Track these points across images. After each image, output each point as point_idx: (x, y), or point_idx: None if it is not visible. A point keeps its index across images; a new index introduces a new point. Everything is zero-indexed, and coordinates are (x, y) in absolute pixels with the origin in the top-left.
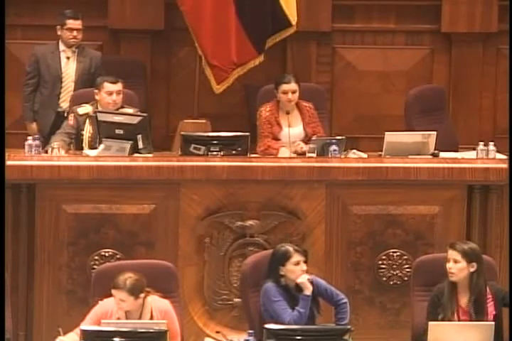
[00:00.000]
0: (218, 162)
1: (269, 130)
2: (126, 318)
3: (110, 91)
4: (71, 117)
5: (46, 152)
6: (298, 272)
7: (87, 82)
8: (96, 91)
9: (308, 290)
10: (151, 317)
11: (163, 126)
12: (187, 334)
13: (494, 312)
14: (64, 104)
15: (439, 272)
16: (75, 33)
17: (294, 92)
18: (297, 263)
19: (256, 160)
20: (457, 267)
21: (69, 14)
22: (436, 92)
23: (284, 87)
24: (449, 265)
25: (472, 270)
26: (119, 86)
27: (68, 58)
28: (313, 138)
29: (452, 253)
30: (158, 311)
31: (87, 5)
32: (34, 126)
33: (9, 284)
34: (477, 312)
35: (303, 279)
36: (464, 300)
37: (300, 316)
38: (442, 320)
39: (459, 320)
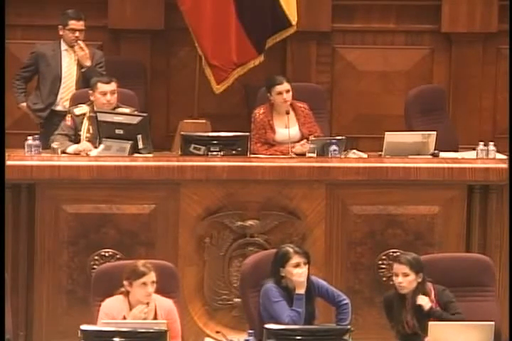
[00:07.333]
0: (218, 162)
1: (261, 135)
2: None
3: (104, 92)
4: (68, 118)
5: (49, 148)
6: (297, 274)
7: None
8: (90, 92)
9: (301, 289)
10: (155, 315)
11: (163, 126)
12: (187, 334)
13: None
14: (66, 103)
15: (439, 272)
16: (77, 33)
17: (288, 92)
18: (297, 265)
19: (256, 160)
20: (408, 280)
21: (72, 15)
22: (436, 92)
23: (278, 88)
24: (399, 279)
25: (419, 280)
26: (112, 86)
27: (71, 58)
28: (311, 137)
29: (399, 267)
30: (162, 309)
31: (87, 5)
32: (25, 104)
33: (9, 284)
34: (420, 320)
35: (300, 278)
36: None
37: (298, 316)
38: (397, 331)
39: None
